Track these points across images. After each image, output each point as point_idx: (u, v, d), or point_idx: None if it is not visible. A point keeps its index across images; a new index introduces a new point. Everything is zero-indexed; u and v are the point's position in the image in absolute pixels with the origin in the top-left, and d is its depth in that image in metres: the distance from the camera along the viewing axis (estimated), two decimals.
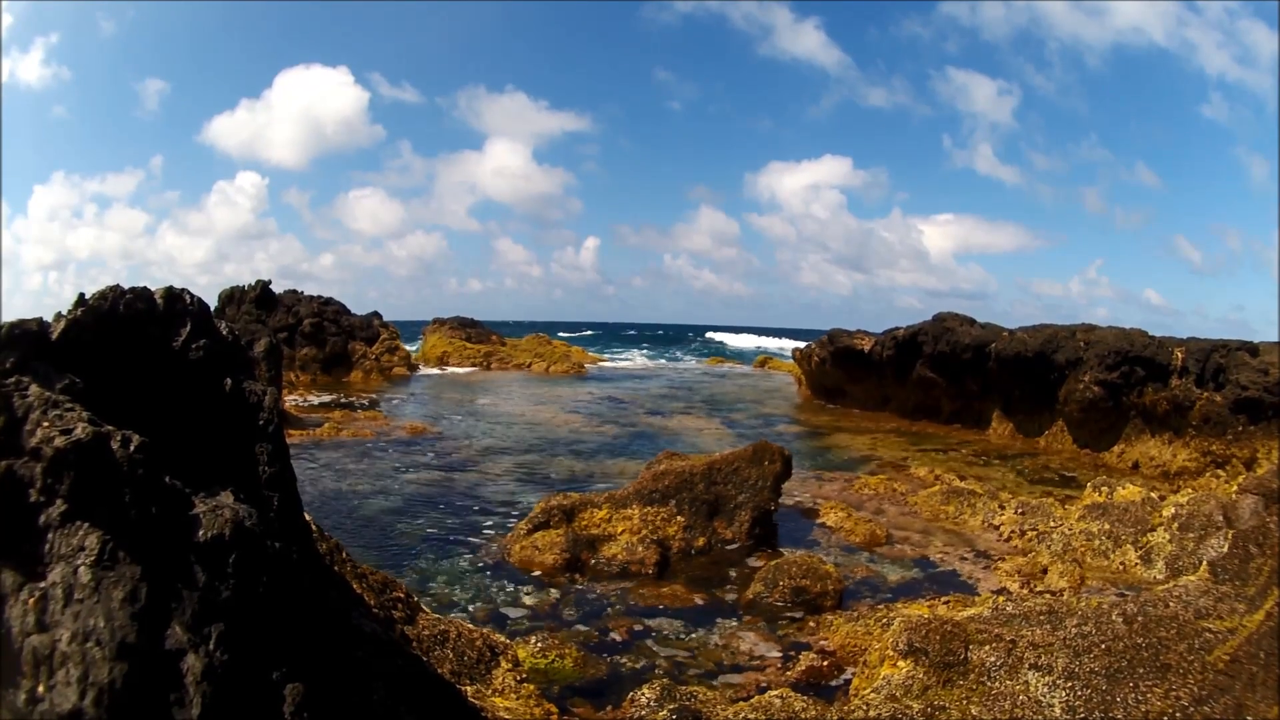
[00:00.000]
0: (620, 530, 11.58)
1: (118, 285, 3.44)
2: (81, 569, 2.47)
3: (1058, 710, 5.60)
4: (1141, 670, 5.68)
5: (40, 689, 2.30)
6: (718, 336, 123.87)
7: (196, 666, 2.61)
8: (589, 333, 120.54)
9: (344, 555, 6.53)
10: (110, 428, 2.79)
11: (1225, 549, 7.89)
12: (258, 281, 38.04)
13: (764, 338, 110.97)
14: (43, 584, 2.45)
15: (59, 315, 3.24)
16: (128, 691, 2.36)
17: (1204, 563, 7.67)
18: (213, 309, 4.00)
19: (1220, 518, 10.74)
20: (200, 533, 2.95)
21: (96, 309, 3.32)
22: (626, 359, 67.09)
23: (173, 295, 3.69)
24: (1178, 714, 5.17)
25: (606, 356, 64.13)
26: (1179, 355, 20.57)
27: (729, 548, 11.87)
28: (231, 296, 37.49)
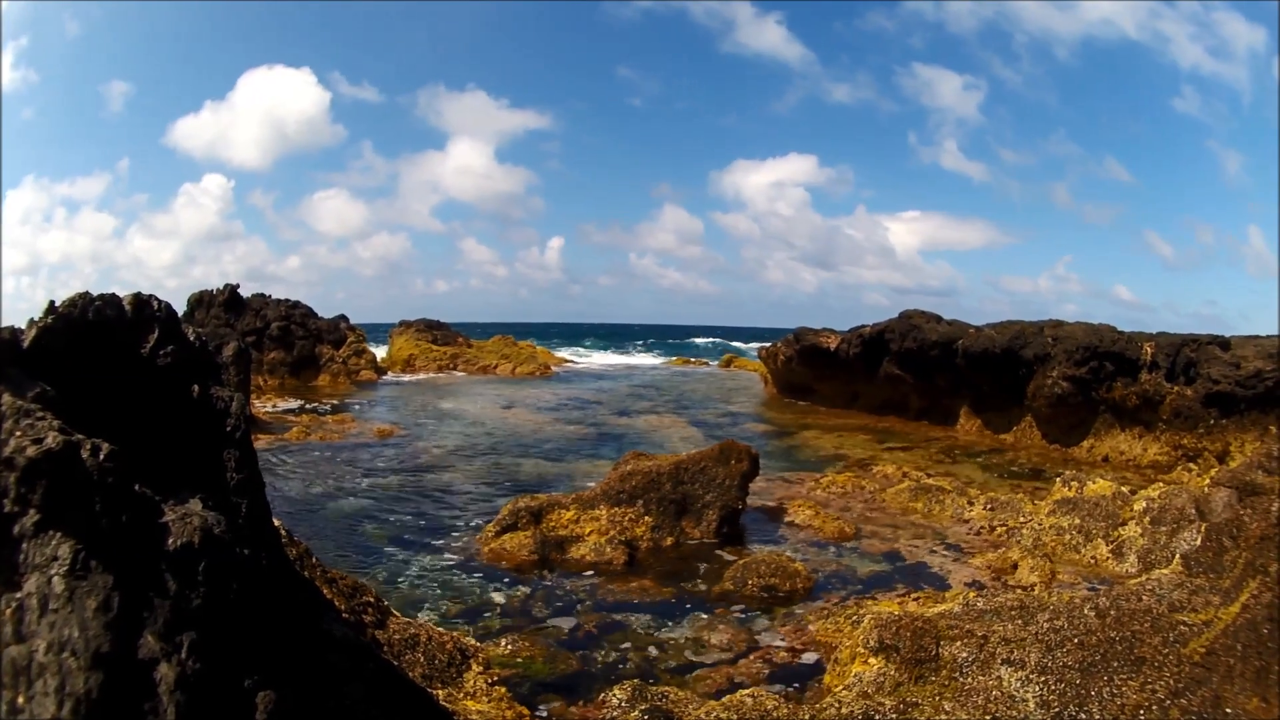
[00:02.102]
0: (588, 531, 11.60)
1: (87, 292, 3.43)
2: (55, 579, 2.47)
3: (1031, 705, 5.65)
4: (1116, 664, 5.74)
5: (20, 699, 2.29)
6: (684, 337, 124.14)
7: (169, 676, 2.61)
8: (555, 333, 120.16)
9: (314, 560, 6.51)
10: (80, 436, 2.79)
11: (1198, 542, 7.97)
12: (226, 285, 37.91)
13: (732, 340, 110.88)
14: (19, 594, 2.45)
15: (31, 322, 3.22)
16: (103, 701, 2.36)
17: (1177, 556, 7.76)
18: (182, 313, 3.99)
19: (1193, 511, 10.84)
20: (170, 541, 2.94)
21: (67, 316, 3.31)
22: (593, 359, 67.05)
23: (141, 301, 3.68)
24: (1154, 707, 5.21)
25: (573, 357, 64.08)
26: (1149, 350, 20.80)
27: (698, 547, 11.91)
28: (200, 300, 37.30)
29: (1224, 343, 19.91)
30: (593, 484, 13.52)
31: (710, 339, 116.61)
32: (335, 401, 30.23)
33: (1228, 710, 4.72)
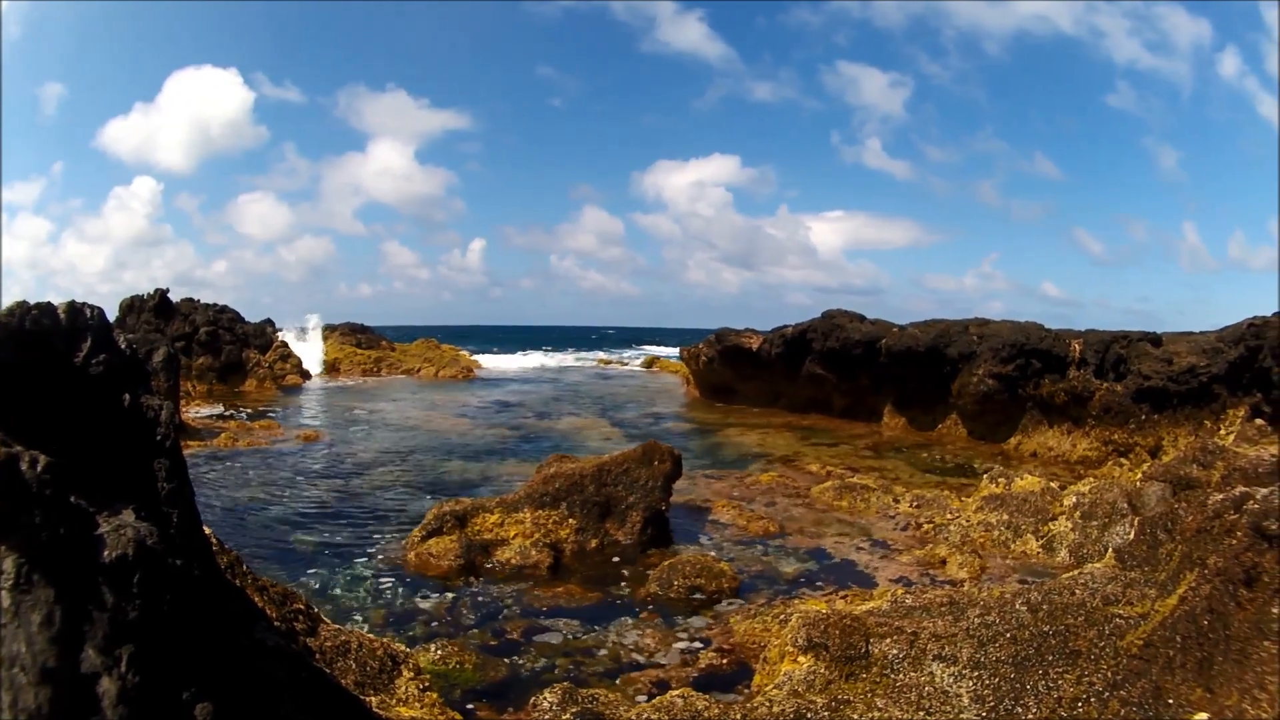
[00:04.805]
0: (513, 534, 11.61)
1: (25, 301, 3.39)
2: (3, 593, 2.45)
3: (966, 700, 5.73)
4: (1050, 658, 5.82)
5: None
6: (606, 339, 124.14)
7: (111, 690, 2.60)
8: (478, 336, 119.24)
9: (244, 568, 6.44)
10: (19, 448, 2.76)
11: (1131, 536, 8.20)
12: (156, 290, 37.27)
13: (654, 342, 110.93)
14: None
15: None
16: (52, 716, 2.36)
17: (1110, 550, 7.95)
18: (114, 319, 3.96)
19: (1125, 505, 11.06)
20: (105, 553, 2.92)
21: (5, 325, 3.27)
22: (516, 361, 66.71)
23: (75, 310, 3.64)
24: (1092, 699, 5.25)
25: (495, 359, 63.76)
26: (1077, 347, 21.26)
27: (622, 549, 11.99)
28: (132, 306, 36.70)
29: (1155, 339, 20.32)
30: (517, 486, 13.51)
31: (632, 341, 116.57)
32: (262, 407, 29.74)
33: (1170, 701, 4.72)
